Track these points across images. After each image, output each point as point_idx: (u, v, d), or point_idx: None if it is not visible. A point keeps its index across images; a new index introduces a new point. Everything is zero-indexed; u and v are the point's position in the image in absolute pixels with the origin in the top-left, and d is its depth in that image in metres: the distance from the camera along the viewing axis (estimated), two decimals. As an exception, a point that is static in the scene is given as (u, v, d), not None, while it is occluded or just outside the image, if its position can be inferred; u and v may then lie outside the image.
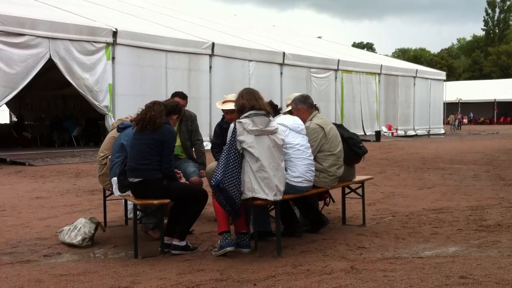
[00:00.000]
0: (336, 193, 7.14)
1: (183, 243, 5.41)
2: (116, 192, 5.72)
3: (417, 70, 33.70)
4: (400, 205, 8.07)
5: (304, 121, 5.96)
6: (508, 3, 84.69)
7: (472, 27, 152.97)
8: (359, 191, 6.77)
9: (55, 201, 8.84)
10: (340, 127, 6.53)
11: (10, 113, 29.13)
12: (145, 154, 5.34)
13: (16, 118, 25.17)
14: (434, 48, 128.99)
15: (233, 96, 6.29)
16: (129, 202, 6.28)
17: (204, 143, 7.55)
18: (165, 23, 22.73)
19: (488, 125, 55.32)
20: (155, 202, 5.30)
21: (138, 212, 5.52)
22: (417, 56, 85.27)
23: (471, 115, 61.05)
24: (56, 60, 16.44)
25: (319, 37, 41.55)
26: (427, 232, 6.14)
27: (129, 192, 5.56)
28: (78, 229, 5.75)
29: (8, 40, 15.46)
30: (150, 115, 5.42)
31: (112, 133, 6.38)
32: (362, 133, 28.56)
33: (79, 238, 5.69)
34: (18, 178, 12.14)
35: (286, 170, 5.43)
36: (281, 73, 23.65)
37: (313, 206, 6.42)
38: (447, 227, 6.41)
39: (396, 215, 7.23)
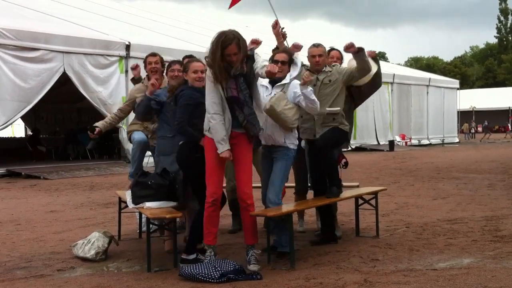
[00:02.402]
0: (349, 204, 7.12)
1: (192, 257, 5.39)
2: (130, 205, 5.74)
3: (430, 78, 33.58)
4: (414, 215, 8.02)
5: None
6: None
7: (485, 35, 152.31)
8: (373, 202, 6.73)
9: (69, 214, 8.90)
10: None
11: (25, 127, 29.41)
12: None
13: (31, 131, 25.40)
14: (447, 56, 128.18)
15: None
16: (143, 215, 6.30)
17: None
18: (177, 35, 22.87)
19: (503, 133, 54.78)
20: (168, 216, 5.31)
21: (151, 225, 5.53)
22: (430, 65, 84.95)
23: (486, 123, 60.53)
24: (70, 74, 16.61)
25: (331, 47, 41.53)
26: (441, 244, 6.09)
27: (143, 204, 5.58)
28: (91, 243, 5.77)
29: (23, 55, 15.64)
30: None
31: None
32: (376, 143, 28.46)
33: (92, 252, 5.71)
34: (33, 191, 12.24)
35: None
36: (294, 84, 23.63)
37: (332, 215, 6.41)
38: (462, 238, 6.35)
39: (410, 226, 7.18)
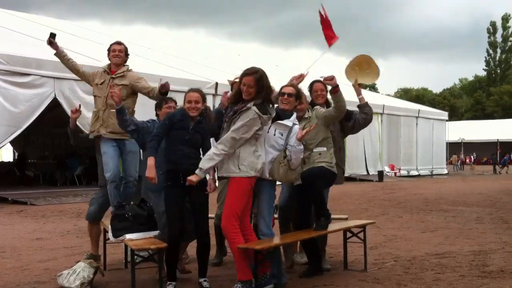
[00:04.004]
0: (337, 237, 7.09)
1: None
2: (111, 238, 5.69)
3: (419, 110, 33.83)
4: (403, 249, 8.00)
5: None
6: (509, 43, 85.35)
7: (474, 67, 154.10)
8: (361, 235, 6.72)
9: (55, 242, 8.80)
10: None
11: (13, 151, 29.23)
12: None
13: (18, 156, 25.20)
14: (436, 87, 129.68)
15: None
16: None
17: None
18: (169, 63, 22.96)
19: (491, 165, 55.12)
20: (152, 246, 5.27)
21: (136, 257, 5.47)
22: (419, 96, 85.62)
23: (474, 155, 60.95)
24: (60, 99, 16.54)
25: (322, 77, 41.82)
26: (429, 278, 6.07)
27: (124, 237, 5.52)
28: (77, 273, 5.71)
29: (14, 80, 15.59)
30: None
31: None
32: (365, 173, 28.50)
33: (77, 282, 5.64)
34: (19, 218, 12.11)
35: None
36: (284, 113, 23.69)
37: (318, 249, 6.39)
38: (450, 273, 6.34)
39: (398, 260, 7.16)
